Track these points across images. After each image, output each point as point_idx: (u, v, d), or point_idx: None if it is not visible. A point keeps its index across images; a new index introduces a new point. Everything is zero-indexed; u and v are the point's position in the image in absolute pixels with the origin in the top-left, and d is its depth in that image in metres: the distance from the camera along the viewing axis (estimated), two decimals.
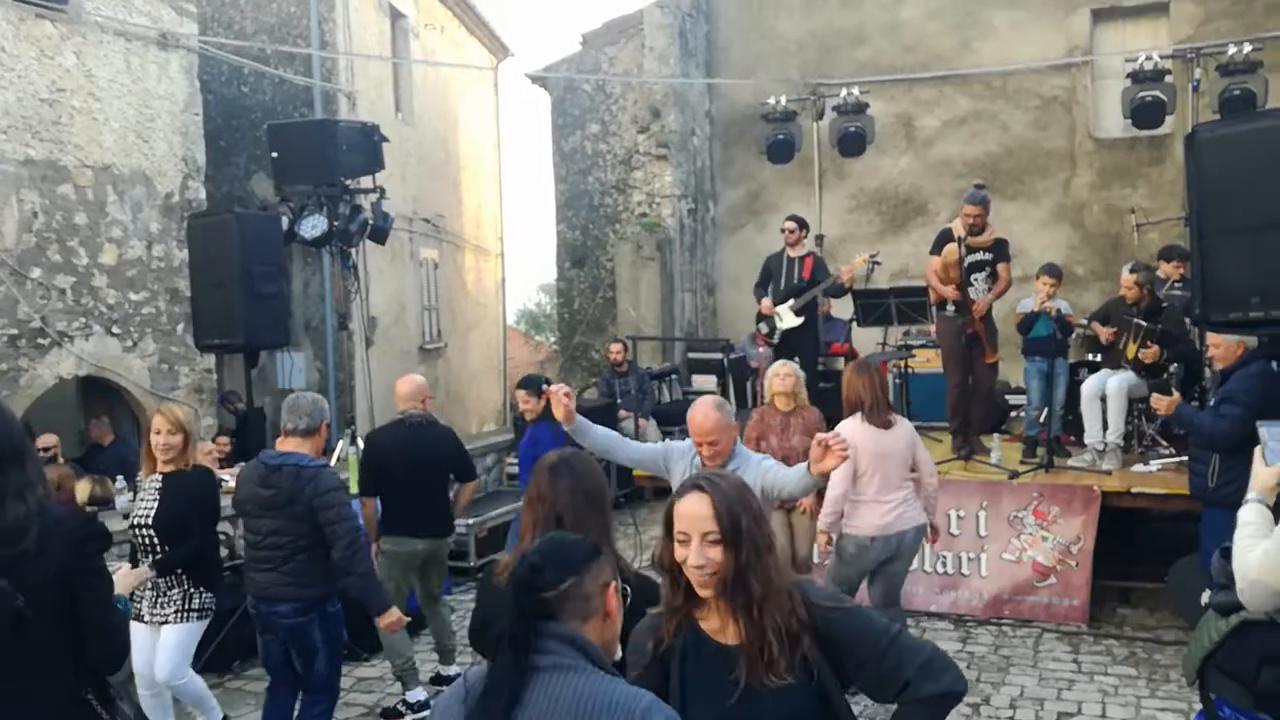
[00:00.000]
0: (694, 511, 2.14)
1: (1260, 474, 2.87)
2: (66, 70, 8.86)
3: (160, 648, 4.60)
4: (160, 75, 9.80)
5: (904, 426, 5.30)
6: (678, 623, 2.21)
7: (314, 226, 6.89)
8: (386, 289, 13.30)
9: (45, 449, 7.42)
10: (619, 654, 2.04)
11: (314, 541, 4.42)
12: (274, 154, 7.05)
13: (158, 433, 4.54)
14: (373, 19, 13.20)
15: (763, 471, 3.96)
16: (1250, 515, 2.81)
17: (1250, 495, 2.85)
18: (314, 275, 12.34)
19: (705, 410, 3.98)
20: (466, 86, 16.98)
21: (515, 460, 9.11)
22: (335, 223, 6.89)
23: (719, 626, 2.18)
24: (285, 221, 7.02)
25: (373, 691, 6.01)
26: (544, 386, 6.23)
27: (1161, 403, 5.92)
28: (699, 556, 2.11)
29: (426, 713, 5.42)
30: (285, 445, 4.54)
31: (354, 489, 7.57)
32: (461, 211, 16.77)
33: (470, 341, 17.32)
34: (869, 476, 5.11)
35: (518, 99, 29.80)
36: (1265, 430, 2.92)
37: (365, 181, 7.67)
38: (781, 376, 6.07)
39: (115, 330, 9.45)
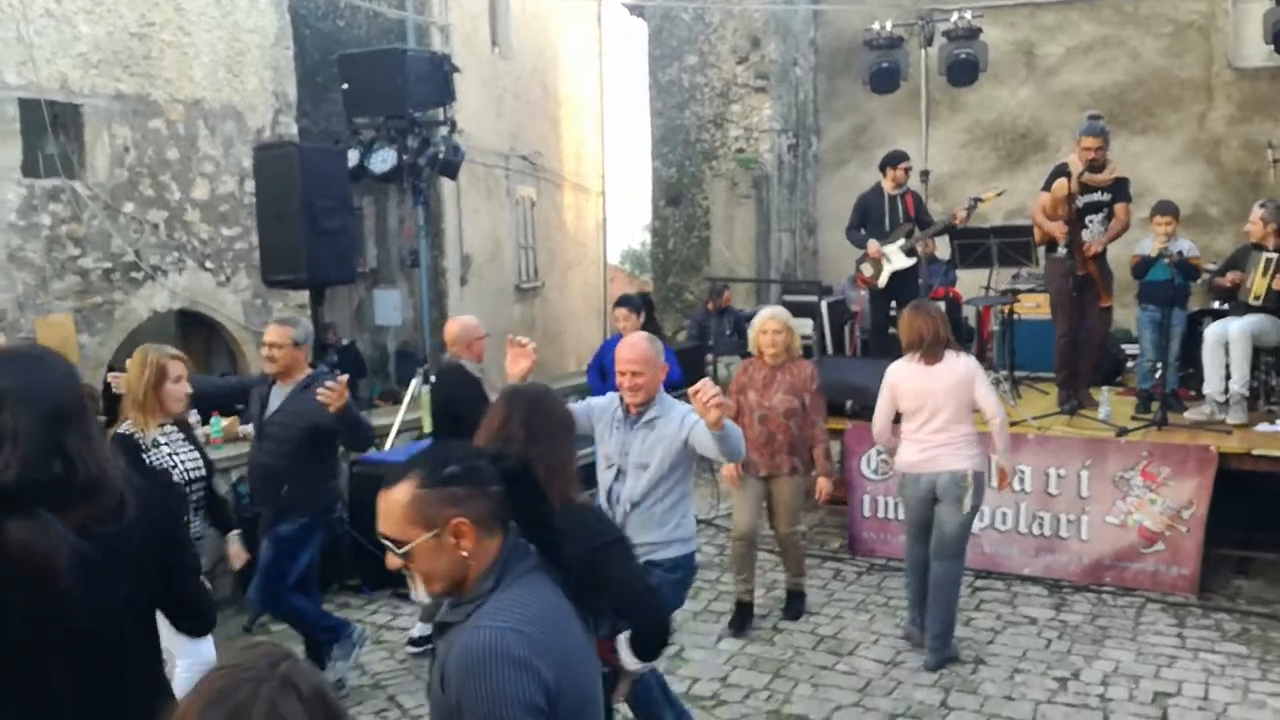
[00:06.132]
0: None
1: None
2: (156, 4, 8.88)
3: None
4: (250, 8, 9.77)
5: (959, 363, 5.02)
6: None
7: (383, 160, 6.75)
8: (481, 227, 13.21)
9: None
10: None
11: None
12: (344, 85, 6.91)
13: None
14: None
15: (689, 424, 3.76)
16: None
17: None
18: (410, 212, 12.31)
19: (632, 341, 3.97)
20: (567, 20, 16.63)
21: None
22: (405, 156, 6.73)
23: None
24: (355, 155, 6.87)
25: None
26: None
27: None
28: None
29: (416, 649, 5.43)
30: None
31: (426, 427, 7.52)
32: (561, 149, 16.53)
33: (569, 280, 17.18)
34: (912, 413, 5.06)
35: (624, 33, 29.28)
36: None
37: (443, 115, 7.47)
38: (770, 334, 5.44)
39: (208, 265, 9.57)
